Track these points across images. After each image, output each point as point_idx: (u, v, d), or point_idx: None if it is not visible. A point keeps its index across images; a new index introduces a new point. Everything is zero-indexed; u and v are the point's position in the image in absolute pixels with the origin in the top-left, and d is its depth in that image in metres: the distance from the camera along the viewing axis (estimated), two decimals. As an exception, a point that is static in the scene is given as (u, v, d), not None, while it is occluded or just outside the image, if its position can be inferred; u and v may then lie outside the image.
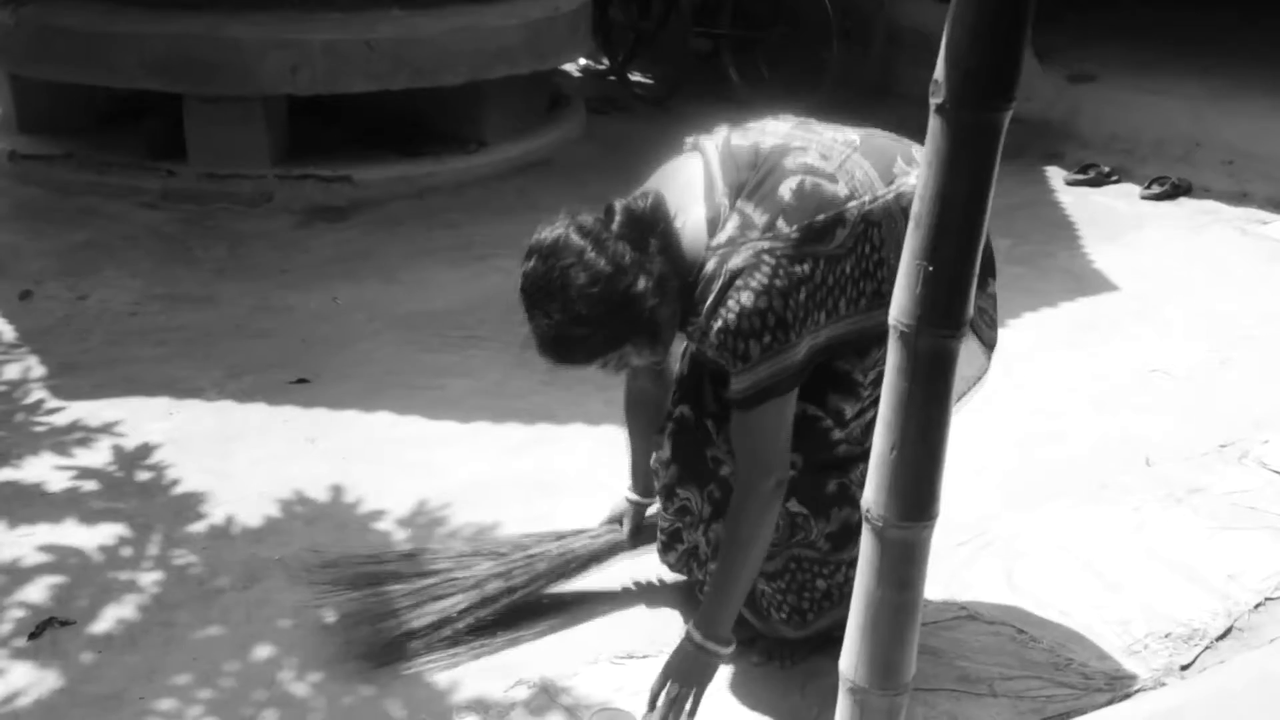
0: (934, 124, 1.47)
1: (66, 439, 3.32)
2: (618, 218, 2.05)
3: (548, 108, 6.13)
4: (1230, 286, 4.56)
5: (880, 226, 2.08)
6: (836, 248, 2.05)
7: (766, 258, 2.01)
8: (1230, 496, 3.09)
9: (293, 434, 3.38)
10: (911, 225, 1.53)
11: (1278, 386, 3.74)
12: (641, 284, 2.00)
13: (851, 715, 1.67)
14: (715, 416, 2.26)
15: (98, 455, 3.24)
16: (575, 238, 2.01)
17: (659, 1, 7.08)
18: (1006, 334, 4.01)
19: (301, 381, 3.67)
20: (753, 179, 2.09)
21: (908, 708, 1.66)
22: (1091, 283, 4.58)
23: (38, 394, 3.57)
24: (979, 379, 2.35)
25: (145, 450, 3.27)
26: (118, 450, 3.27)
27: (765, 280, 2.00)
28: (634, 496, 2.63)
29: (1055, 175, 5.84)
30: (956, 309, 1.54)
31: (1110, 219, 5.30)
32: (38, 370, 3.71)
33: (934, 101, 1.46)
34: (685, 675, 2.15)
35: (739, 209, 2.06)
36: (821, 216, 2.04)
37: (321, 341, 3.96)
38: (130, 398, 3.53)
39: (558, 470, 3.21)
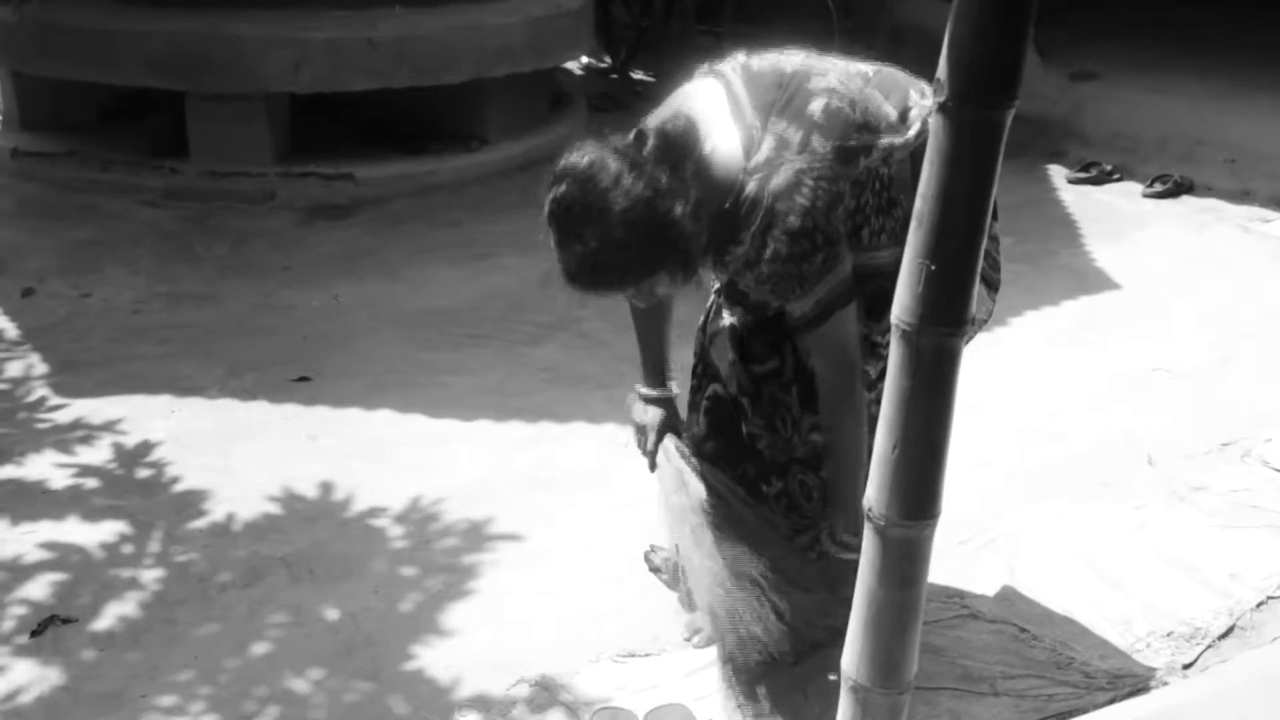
0: (936, 122, 1.47)
1: (68, 436, 3.32)
2: (651, 141, 1.96)
3: (549, 106, 6.13)
4: (1232, 285, 4.55)
5: (893, 166, 2.07)
6: (859, 174, 2.04)
7: (806, 177, 1.99)
8: (1233, 495, 3.08)
9: (294, 432, 3.38)
10: (914, 223, 1.53)
11: (1279, 383, 3.74)
12: (679, 209, 1.93)
13: (854, 714, 1.67)
14: (749, 394, 2.27)
15: (99, 453, 3.24)
16: (611, 161, 1.92)
17: (661, -1, 7.08)
18: (1008, 332, 4.03)
19: (303, 379, 3.67)
20: (780, 98, 2.05)
21: (910, 706, 1.66)
22: (1093, 281, 4.57)
23: (40, 391, 3.57)
24: (983, 321, 2.33)
25: (147, 448, 3.27)
26: (119, 448, 3.27)
27: (808, 200, 1.98)
28: (650, 391, 2.42)
29: (1058, 173, 5.84)
30: (959, 307, 1.53)
31: (1112, 217, 5.30)
32: (40, 368, 3.71)
33: (936, 100, 1.45)
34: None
35: (771, 128, 2.02)
36: (852, 140, 2.02)
37: (323, 339, 3.96)
38: (132, 395, 3.53)
39: (559, 468, 3.21)
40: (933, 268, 1.51)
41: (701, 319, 2.44)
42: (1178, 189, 5.56)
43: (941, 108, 1.46)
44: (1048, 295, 4.34)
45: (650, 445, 2.40)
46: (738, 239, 2.03)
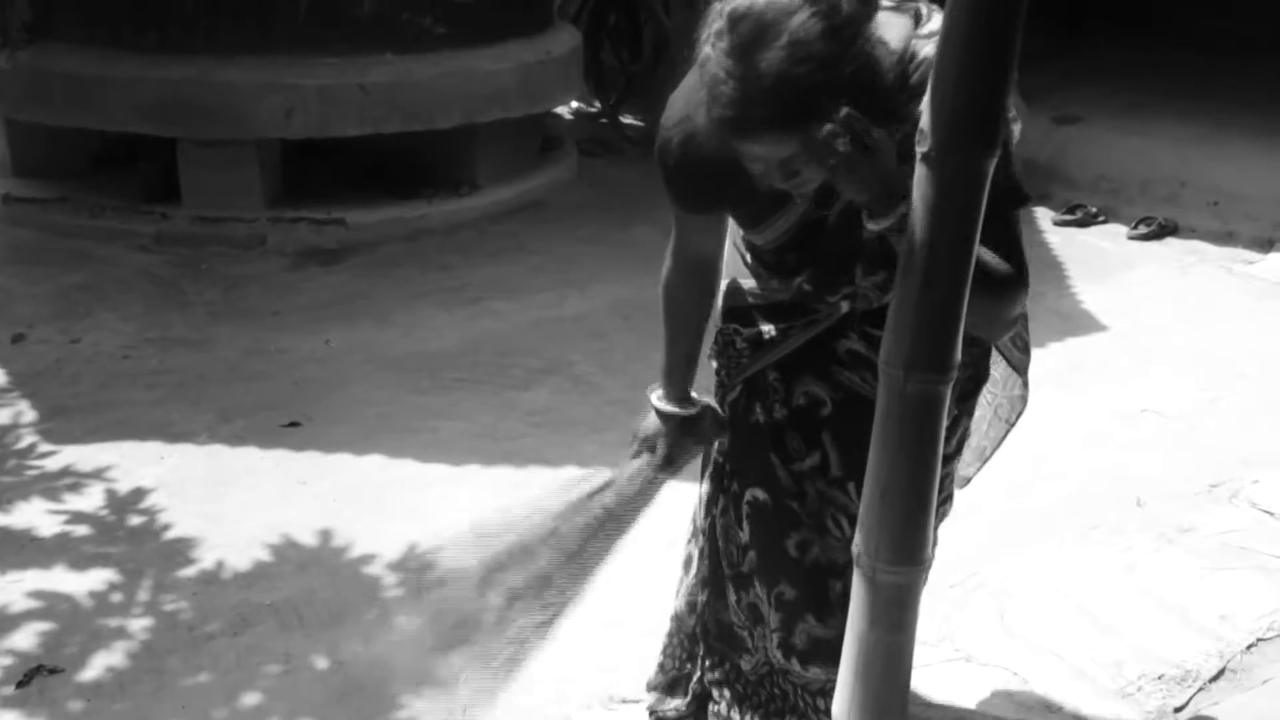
0: (920, 172, 1.49)
1: (57, 484, 3.31)
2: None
3: (540, 150, 6.17)
4: (1218, 326, 4.59)
5: None
6: None
7: None
8: (1221, 536, 3.09)
9: (285, 477, 3.38)
10: (900, 271, 1.55)
11: (1266, 426, 3.75)
12: (862, 43, 1.68)
13: (845, 759, 1.66)
14: (798, 495, 2.01)
15: (89, 500, 3.24)
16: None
17: (650, 44, 7.15)
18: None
19: (293, 425, 3.67)
20: None
21: (900, 752, 1.65)
22: (1081, 323, 4.60)
23: (29, 438, 3.56)
24: (1023, 398, 2.16)
25: (137, 495, 3.26)
26: (109, 495, 3.26)
27: None
28: (667, 406, 2.09)
29: (1043, 215, 5.88)
30: (945, 354, 1.55)
31: (1098, 259, 5.34)
32: (29, 414, 3.70)
33: (920, 150, 1.48)
34: None
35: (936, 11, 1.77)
36: None
37: (314, 384, 3.96)
38: (122, 442, 3.52)
39: (550, 513, 3.20)
40: (919, 314, 1.53)
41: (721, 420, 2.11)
42: (1162, 231, 5.61)
43: (925, 158, 1.48)
44: (1036, 337, 4.28)
45: (633, 456, 2.15)
46: (903, 114, 1.73)
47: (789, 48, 1.64)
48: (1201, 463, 3.49)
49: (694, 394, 2.10)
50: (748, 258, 2.00)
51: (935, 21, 1.78)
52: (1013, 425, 2.20)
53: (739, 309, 2.01)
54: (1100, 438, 3.68)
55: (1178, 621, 2.75)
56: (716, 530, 2.11)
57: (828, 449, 1.98)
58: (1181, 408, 3.88)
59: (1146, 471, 3.44)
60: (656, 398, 2.11)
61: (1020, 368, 2.13)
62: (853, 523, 1.90)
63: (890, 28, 1.78)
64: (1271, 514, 3.18)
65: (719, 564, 2.13)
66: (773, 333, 1.97)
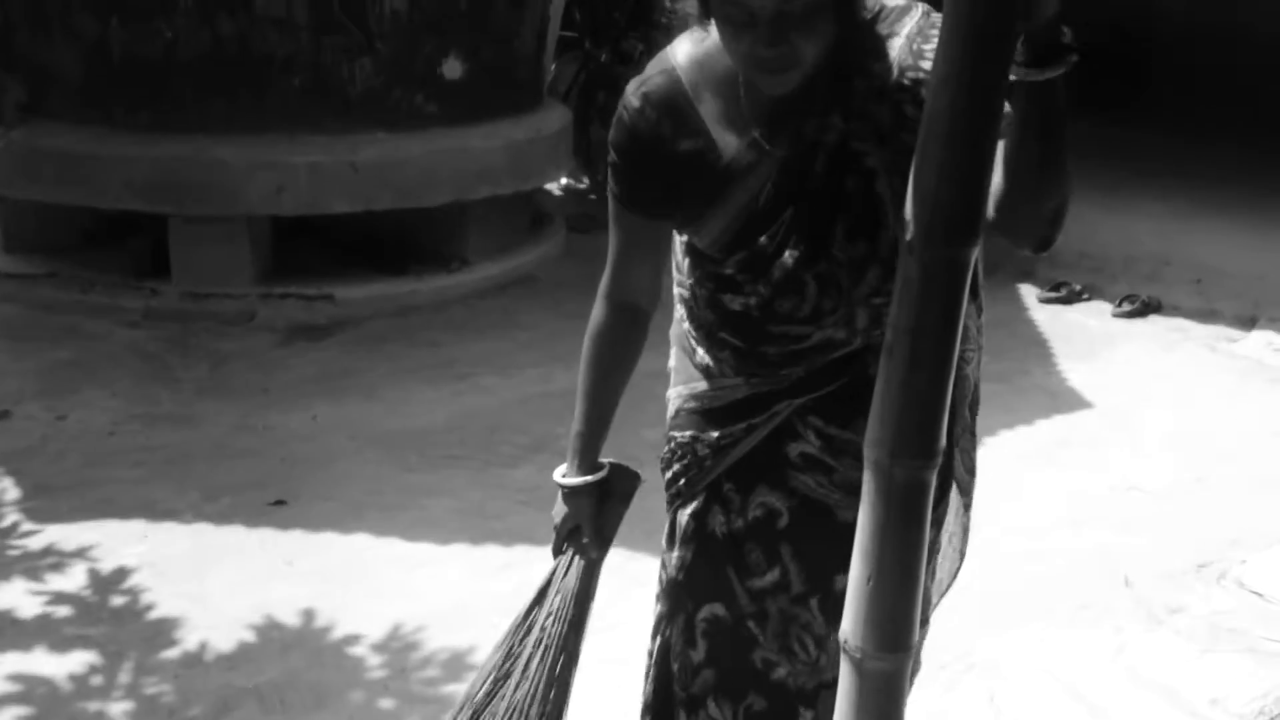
0: (904, 260, 1.51)
1: (39, 564, 3.28)
2: None
3: (529, 226, 6.23)
4: (1202, 404, 4.61)
5: None
6: None
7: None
8: (1211, 617, 3.08)
9: (270, 556, 3.35)
10: (884, 357, 1.56)
11: (1253, 505, 3.76)
12: None
13: None
14: (759, 616, 1.88)
15: (71, 580, 3.21)
16: None
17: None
18: (984, 452, 4.00)
19: (279, 503, 3.65)
20: None
21: (890, 843, 1.63)
22: (1066, 400, 4.63)
23: (11, 517, 3.54)
24: (966, 529, 2.05)
25: (120, 574, 3.23)
26: (92, 574, 3.23)
27: None
28: (580, 480, 1.92)
29: (1028, 292, 5.94)
30: (930, 438, 1.56)
31: (1083, 336, 5.38)
32: (13, 493, 3.68)
33: (903, 239, 1.50)
34: None
35: None
36: None
37: (301, 461, 3.95)
38: (106, 520, 3.50)
39: (537, 593, 3.18)
40: (904, 401, 1.54)
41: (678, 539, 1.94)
42: (1146, 309, 5.66)
43: (908, 247, 1.50)
44: (1022, 414, 4.38)
45: (558, 549, 1.98)
46: (881, 53, 1.68)
47: None
48: (1189, 542, 3.49)
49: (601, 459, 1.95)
50: (699, 352, 1.87)
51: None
52: (964, 557, 2.09)
53: (698, 414, 1.88)
54: (1088, 516, 3.68)
55: (1168, 704, 2.73)
56: (669, 651, 1.95)
57: (787, 563, 1.86)
58: (1168, 486, 3.89)
59: (1134, 550, 3.44)
60: (566, 477, 1.93)
61: (965, 489, 2.00)
62: (819, 644, 1.88)
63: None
64: (1261, 595, 3.18)
65: (668, 687, 1.97)
66: (734, 433, 1.85)
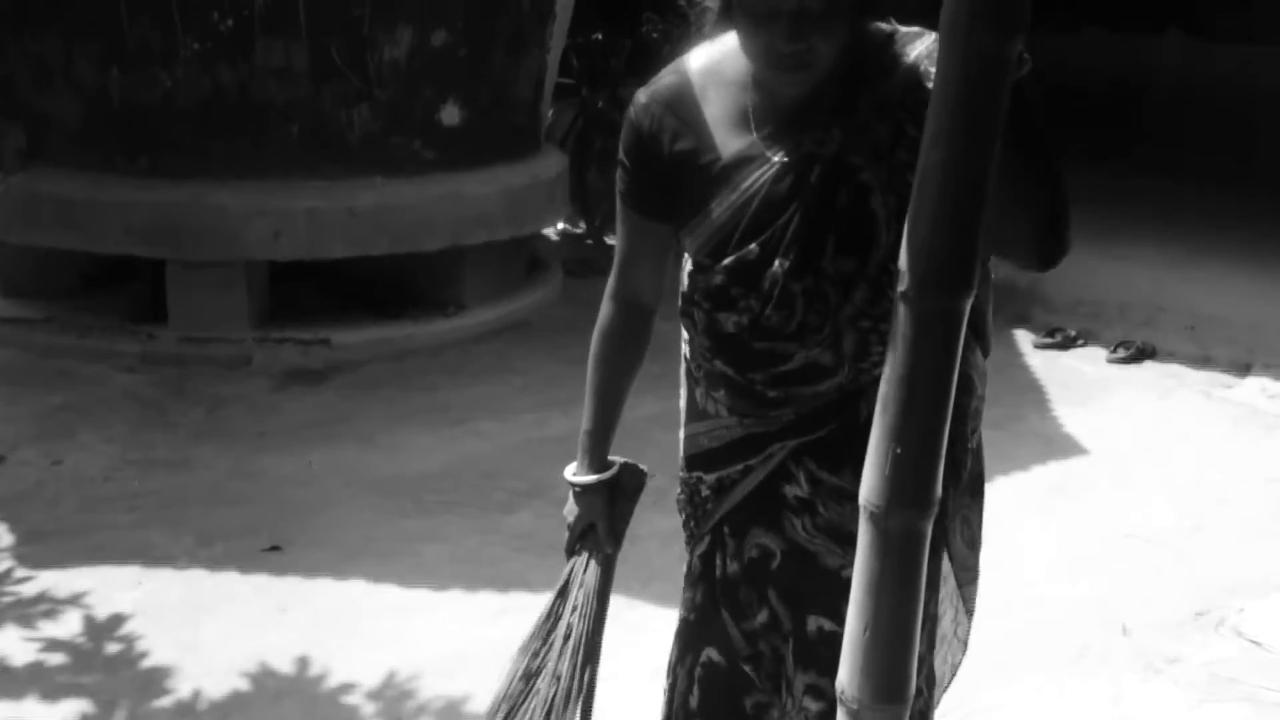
0: (898, 310, 1.52)
1: (32, 610, 3.26)
2: None
3: (526, 271, 6.25)
4: (1198, 451, 4.62)
5: None
6: None
7: None
8: (1209, 666, 3.07)
9: (264, 603, 3.34)
10: (879, 406, 1.56)
11: (1249, 553, 3.76)
12: None
13: None
14: (751, 659, 1.92)
15: (64, 627, 3.18)
16: None
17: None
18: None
19: (274, 549, 3.63)
20: None
21: None
22: (1062, 446, 4.63)
23: (5, 563, 3.52)
24: (969, 614, 2.08)
25: (114, 621, 3.21)
26: (86, 621, 3.21)
27: None
28: (590, 478, 1.95)
29: (1024, 338, 5.96)
30: (926, 488, 1.56)
31: (1078, 382, 5.39)
32: (6, 538, 3.66)
33: (898, 290, 1.51)
34: None
35: None
36: None
37: (296, 507, 3.94)
38: (100, 566, 3.48)
39: (532, 640, 3.17)
40: (898, 451, 1.54)
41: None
42: (1141, 355, 5.68)
43: (903, 296, 1.51)
44: (1018, 461, 4.38)
45: (571, 548, 2.00)
46: (889, 71, 1.71)
47: None
48: (1186, 590, 3.49)
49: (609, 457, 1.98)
50: (697, 392, 1.91)
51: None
52: (966, 647, 2.10)
53: (698, 456, 1.93)
54: (1084, 563, 3.67)
55: (1168, 754, 2.72)
56: (674, 691, 1.99)
57: (774, 605, 1.89)
58: (1164, 533, 3.88)
59: (1131, 598, 3.43)
60: (578, 475, 1.95)
61: (964, 564, 2.02)
62: (808, 687, 1.88)
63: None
64: (1259, 644, 3.17)
65: None
66: (732, 474, 1.89)
